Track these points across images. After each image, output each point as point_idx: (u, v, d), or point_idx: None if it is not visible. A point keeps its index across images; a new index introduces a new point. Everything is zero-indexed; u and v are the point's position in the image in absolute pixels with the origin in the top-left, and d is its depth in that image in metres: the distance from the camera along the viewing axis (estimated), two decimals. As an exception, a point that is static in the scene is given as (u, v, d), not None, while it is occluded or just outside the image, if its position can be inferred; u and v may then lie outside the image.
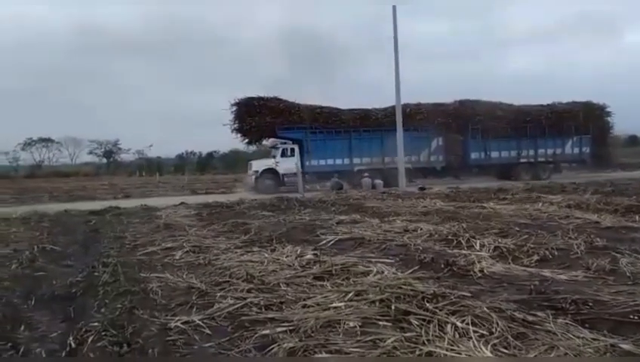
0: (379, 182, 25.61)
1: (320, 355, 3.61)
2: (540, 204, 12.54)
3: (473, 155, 29.47)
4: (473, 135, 29.26)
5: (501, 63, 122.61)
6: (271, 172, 27.06)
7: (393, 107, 28.91)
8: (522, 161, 30.10)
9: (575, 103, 31.58)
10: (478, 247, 7.19)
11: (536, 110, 30.64)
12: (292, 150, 27.28)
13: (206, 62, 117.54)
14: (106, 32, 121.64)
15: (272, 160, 27.71)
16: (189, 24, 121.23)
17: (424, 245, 7.68)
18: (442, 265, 6.17)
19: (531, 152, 30.22)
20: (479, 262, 6.24)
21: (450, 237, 8.09)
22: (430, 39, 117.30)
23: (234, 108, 27.71)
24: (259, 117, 27.06)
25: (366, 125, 28.23)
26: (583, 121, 30.65)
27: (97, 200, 23.90)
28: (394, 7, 24.76)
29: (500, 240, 7.57)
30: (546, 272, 5.75)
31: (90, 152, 79.61)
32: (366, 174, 26.13)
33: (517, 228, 8.67)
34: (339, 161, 27.55)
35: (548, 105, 31.45)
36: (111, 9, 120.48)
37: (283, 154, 27.25)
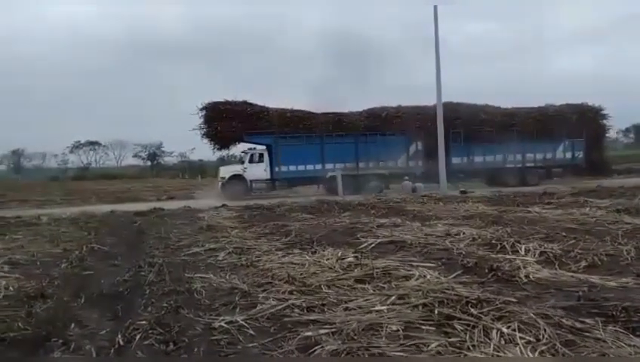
0: (419, 185, 25.27)
1: (363, 357, 3.61)
2: (588, 209, 12.20)
3: (454, 160, 27.82)
4: (454, 139, 27.71)
5: (548, 63, 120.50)
6: (238, 178, 26.28)
7: (369, 110, 28.30)
8: (509, 165, 28.75)
9: (568, 105, 30.33)
10: (523, 252, 7.04)
11: (523, 113, 29.33)
12: (260, 156, 26.66)
13: (250, 64, 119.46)
14: (152, 34, 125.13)
15: (240, 166, 27.11)
16: (234, 26, 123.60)
17: (467, 249, 7.57)
18: (486, 270, 6.07)
19: (518, 157, 28.88)
20: (525, 267, 6.12)
21: (494, 241, 7.95)
22: (475, 40, 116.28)
23: (202, 112, 26.86)
24: (225, 122, 26.14)
25: (340, 129, 27.26)
26: (576, 124, 29.22)
27: (142, 202, 24.48)
28: (435, 7, 24.52)
29: (546, 245, 7.39)
30: (595, 279, 5.59)
31: (135, 155, 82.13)
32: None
33: (563, 233, 8.46)
34: (310, 167, 26.36)
35: (537, 107, 30.17)
36: (157, 12, 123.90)
37: (251, 160, 26.64)
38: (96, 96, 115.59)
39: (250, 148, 27.54)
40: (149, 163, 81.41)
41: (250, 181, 26.28)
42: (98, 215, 16.29)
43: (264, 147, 26.97)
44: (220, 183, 26.69)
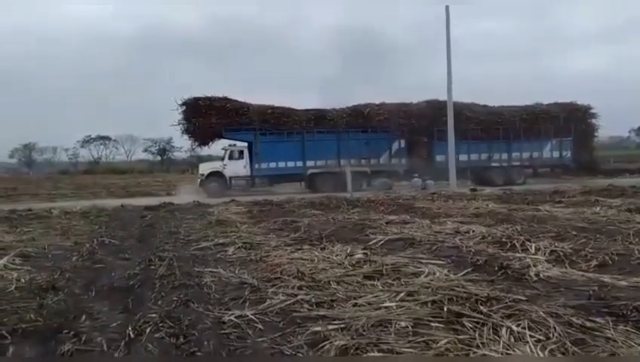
0: (430, 182, 25.18)
1: (373, 354, 3.61)
2: (599, 208, 12.12)
3: (439, 158, 27.32)
4: (439, 137, 27.06)
5: (563, 63, 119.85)
6: (217, 175, 25.82)
7: (352, 107, 27.72)
8: (494, 164, 28.37)
9: (556, 104, 29.95)
10: (533, 251, 7.00)
11: (509, 111, 28.90)
12: (240, 152, 26.28)
13: (259, 61, 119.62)
14: (165, 31, 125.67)
15: (220, 163, 26.57)
16: (243, 25, 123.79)
17: (476, 247, 7.54)
18: (496, 268, 6.05)
19: (504, 156, 28.50)
20: (535, 265, 6.09)
21: (503, 239, 7.91)
22: (490, 38, 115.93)
23: (182, 108, 26.36)
24: (204, 118, 25.73)
25: (321, 126, 26.81)
26: (564, 123, 28.92)
27: (152, 196, 24.57)
28: (447, 7, 24.53)
29: (556, 243, 7.34)
30: (606, 278, 5.55)
31: (145, 150, 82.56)
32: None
33: (574, 232, 8.41)
34: (291, 164, 26.15)
35: (524, 106, 29.80)
36: (170, 10, 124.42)
37: (231, 157, 26.23)
38: (107, 92, 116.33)
39: (230, 145, 27.08)
40: (159, 158, 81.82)
41: (230, 178, 25.89)
42: (108, 209, 16.41)
43: (245, 143, 26.67)
44: (199, 180, 26.30)
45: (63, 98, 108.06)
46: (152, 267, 6.81)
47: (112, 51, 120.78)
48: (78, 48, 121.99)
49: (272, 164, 26.03)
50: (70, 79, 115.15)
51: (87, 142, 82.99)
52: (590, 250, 6.84)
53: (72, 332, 4.26)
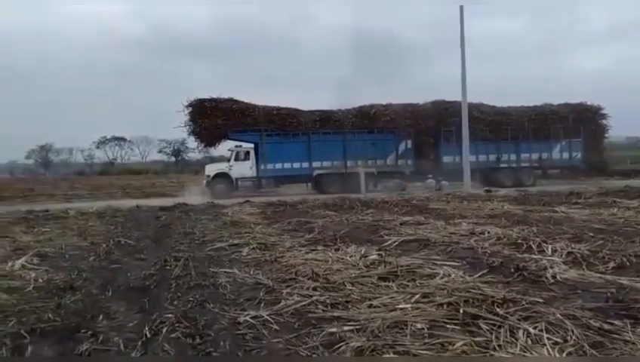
0: (444, 183, 25.06)
1: (388, 356, 3.60)
2: (616, 209, 12.00)
3: (446, 159, 27.26)
4: (446, 137, 27.24)
5: (576, 62, 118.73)
6: (224, 176, 25.82)
7: (358, 108, 27.56)
8: (502, 165, 28.08)
9: (566, 105, 29.55)
10: (549, 252, 6.94)
11: (518, 112, 28.59)
12: (246, 154, 26.23)
13: (269, 62, 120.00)
14: (175, 33, 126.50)
15: (226, 164, 26.55)
16: (254, 25, 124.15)
17: (492, 249, 7.49)
18: (512, 270, 6.00)
19: (513, 157, 28.20)
20: (551, 267, 6.03)
21: (519, 241, 7.85)
22: (503, 38, 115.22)
23: (188, 109, 26.38)
24: (210, 119, 25.81)
25: (327, 127, 26.79)
26: (574, 123, 28.55)
27: (166, 197, 24.70)
28: (461, 8, 24.39)
29: (573, 245, 7.27)
30: (624, 280, 5.48)
31: (160, 151, 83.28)
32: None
33: (591, 234, 8.32)
34: (297, 165, 26.15)
35: (533, 106, 29.42)
36: (180, 11, 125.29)
37: (237, 158, 26.19)
38: (122, 93, 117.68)
39: (237, 146, 27.00)
40: (173, 159, 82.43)
41: (236, 179, 25.85)
42: (124, 209, 16.56)
43: (252, 145, 26.62)
44: (205, 181, 26.19)
45: (79, 99, 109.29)
46: (168, 267, 6.86)
47: (126, 52, 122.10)
48: (93, 49, 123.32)
49: (278, 165, 26.08)
50: (85, 80, 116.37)
51: (102, 143, 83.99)
52: (608, 252, 6.76)
53: (89, 332, 4.29)
